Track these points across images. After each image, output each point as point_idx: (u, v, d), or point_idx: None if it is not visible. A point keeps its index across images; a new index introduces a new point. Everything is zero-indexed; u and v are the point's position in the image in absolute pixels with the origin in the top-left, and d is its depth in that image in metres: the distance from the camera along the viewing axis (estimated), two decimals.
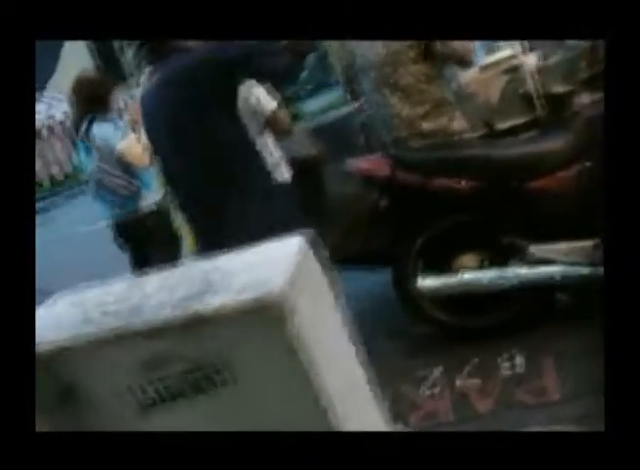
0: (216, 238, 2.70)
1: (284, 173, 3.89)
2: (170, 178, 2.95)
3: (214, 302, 0.83)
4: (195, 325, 0.81)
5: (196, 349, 0.86)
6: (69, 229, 12.11)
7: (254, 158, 2.90)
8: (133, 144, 4.53)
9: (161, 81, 2.74)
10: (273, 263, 0.87)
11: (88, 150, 4.73)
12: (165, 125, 2.80)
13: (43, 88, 29.19)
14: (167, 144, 2.83)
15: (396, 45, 3.87)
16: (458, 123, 4.00)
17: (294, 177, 3.83)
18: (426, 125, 3.92)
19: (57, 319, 0.93)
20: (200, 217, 2.86)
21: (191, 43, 2.73)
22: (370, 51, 3.98)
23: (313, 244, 0.94)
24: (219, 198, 2.78)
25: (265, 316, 0.81)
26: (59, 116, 24.02)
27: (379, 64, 3.95)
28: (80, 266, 6.70)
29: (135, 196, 4.70)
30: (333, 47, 4.58)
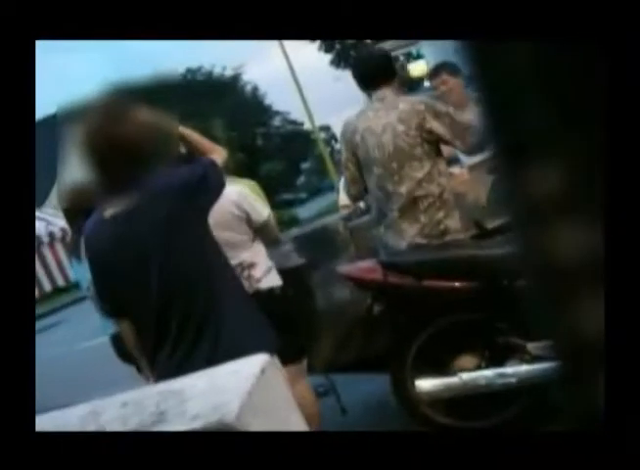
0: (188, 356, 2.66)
1: (274, 280, 3.89)
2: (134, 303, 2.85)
3: (167, 429, 0.81)
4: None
5: None
6: (74, 344, 12.05)
7: (225, 270, 2.87)
8: None
9: (125, 215, 2.71)
10: (228, 388, 0.85)
11: (84, 265, 4.68)
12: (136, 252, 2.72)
13: (42, 204, 29.53)
14: (137, 270, 2.74)
15: (402, 142, 4.00)
16: (453, 221, 4.09)
17: (282, 287, 3.84)
18: (423, 219, 4.01)
19: None
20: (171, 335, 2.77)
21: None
22: (375, 148, 4.07)
23: (271, 363, 0.92)
24: (191, 314, 2.72)
25: None
26: (61, 225, 24.25)
27: (385, 160, 4.05)
28: (83, 382, 6.63)
29: None
30: (331, 151, 4.59)
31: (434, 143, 4.08)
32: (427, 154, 4.06)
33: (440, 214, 4.06)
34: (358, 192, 4.36)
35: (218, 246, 2.86)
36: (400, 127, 4.03)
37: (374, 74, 4.25)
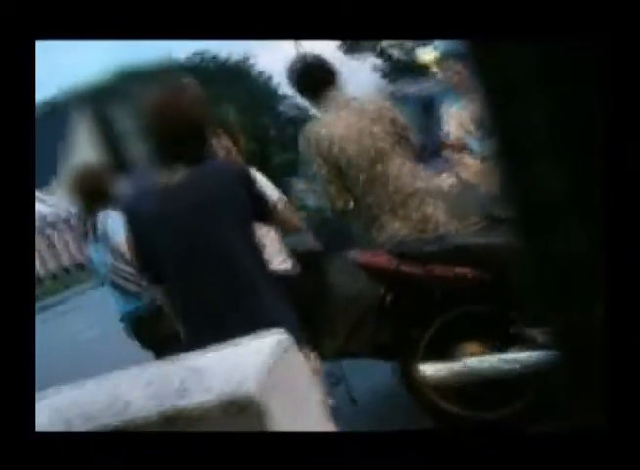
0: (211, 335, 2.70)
1: (286, 265, 3.91)
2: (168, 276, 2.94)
3: (190, 404, 0.83)
4: (173, 426, 0.81)
5: None
6: (83, 333, 12.10)
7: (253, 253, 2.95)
8: None
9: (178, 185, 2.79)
10: (248, 364, 0.87)
11: (98, 247, 4.65)
12: (176, 226, 2.82)
13: (47, 188, 29.49)
14: (172, 245, 2.84)
15: (382, 142, 4.05)
16: (441, 214, 4.14)
17: (300, 272, 3.85)
18: (415, 216, 4.05)
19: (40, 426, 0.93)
20: (196, 312, 2.86)
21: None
22: (357, 156, 4.08)
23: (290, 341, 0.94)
24: (217, 293, 2.80)
25: (240, 416, 0.81)
26: (67, 208, 24.36)
27: (369, 165, 4.07)
28: (94, 367, 6.65)
29: (145, 294, 4.62)
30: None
31: (407, 139, 4.18)
32: (405, 150, 4.15)
33: (430, 209, 4.12)
34: (345, 204, 4.27)
35: (255, 237, 2.95)
36: (376, 129, 4.07)
37: (322, 77, 4.24)
